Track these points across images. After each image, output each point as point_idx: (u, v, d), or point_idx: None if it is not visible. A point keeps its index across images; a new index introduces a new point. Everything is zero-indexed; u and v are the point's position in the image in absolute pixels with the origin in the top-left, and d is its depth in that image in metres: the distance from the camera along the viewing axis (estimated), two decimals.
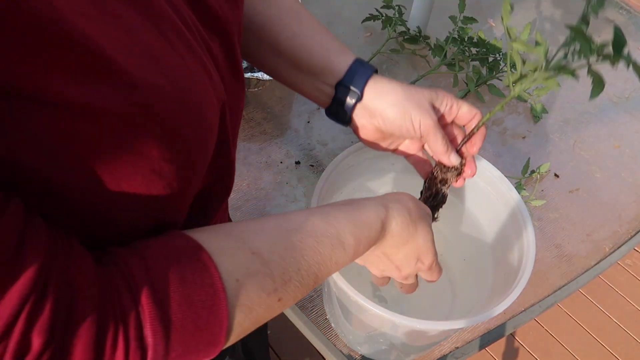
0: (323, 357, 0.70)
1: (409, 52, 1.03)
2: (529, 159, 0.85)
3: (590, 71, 0.41)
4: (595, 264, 0.79)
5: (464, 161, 0.55)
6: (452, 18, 0.96)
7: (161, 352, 0.28)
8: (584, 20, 0.41)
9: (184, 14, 0.31)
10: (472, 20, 0.95)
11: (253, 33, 0.52)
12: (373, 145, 0.56)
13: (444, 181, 0.55)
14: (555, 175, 0.89)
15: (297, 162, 0.84)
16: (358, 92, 0.51)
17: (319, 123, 0.90)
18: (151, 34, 0.27)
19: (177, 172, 0.30)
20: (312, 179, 0.83)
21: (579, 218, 0.84)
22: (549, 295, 0.75)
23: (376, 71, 0.54)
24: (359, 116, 0.53)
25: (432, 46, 0.99)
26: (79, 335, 0.25)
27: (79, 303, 0.26)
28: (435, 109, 0.52)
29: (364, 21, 1.04)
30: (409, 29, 1.04)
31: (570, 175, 0.90)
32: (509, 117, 0.96)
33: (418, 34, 1.04)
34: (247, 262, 0.34)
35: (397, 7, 1.01)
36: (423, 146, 0.57)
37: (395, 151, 0.58)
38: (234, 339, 0.33)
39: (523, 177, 0.84)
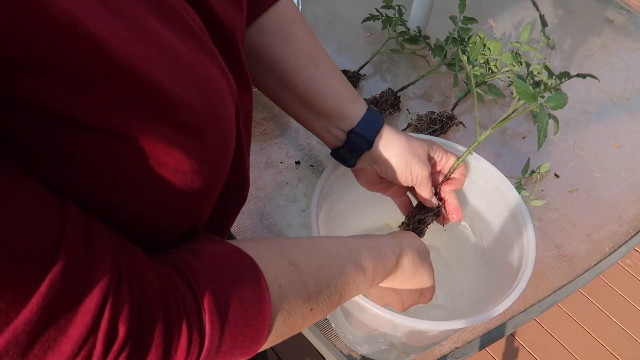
0: (323, 357, 0.70)
1: (409, 52, 1.03)
2: (529, 159, 0.85)
3: (538, 121, 0.44)
4: (595, 264, 0.79)
5: (441, 203, 0.61)
6: (452, 18, 0.96)
7: (215, 342, 0.30)
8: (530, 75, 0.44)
9: (195, 19, 0.31)
10: (472, 20, 0.95)
11: (267, 68, 0.52)
12: (368, 187, 0.60)
13: (423, 220, 0.61)
14: (555, 175, 0.89)
15: (297, 162, 0.84)
16: (370, 141, 0.54)
17: None
18: (177, 45, 0.28)
19: (205, 181, 0.31)
20: (312, 179, 0.83)
21: (579, 218, 0.84)
22: (549, 295, 0.75)
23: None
24: (363, 161, 0.57)
25: (432, 46, 0.99)
26: (152, 322, 0.26)
27: (148, 292, 0.27)
28: (430, 159, 0.58)
29: (364, 21, 1.04)
30: (409, 29, 1.04)
31: (570, 175, 0.90)
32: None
33: (418, 34, 1.04)
34: (287, 271, 0.37)
35: (397, 7, 1.01)
36: (408, 189, 0.62)
37: (385, 193, 0.62)
38: (271, 341, 0.35)
39: (523, 177, 0.84)
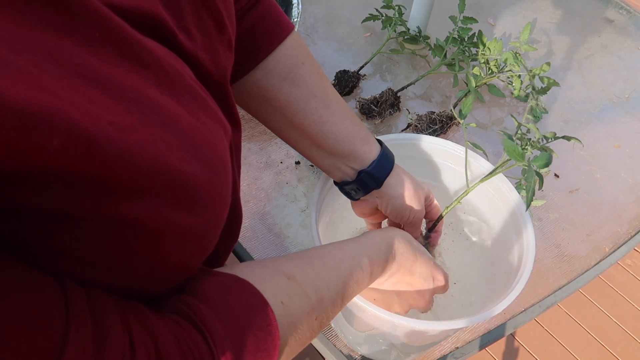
0: (323, 357, 0.70)
1: (409, 52, 1.03)
2: (529, 159, 0.85)
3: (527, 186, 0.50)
4: (595, 264, 0.79)
5: (427, 245, 0.63)
6: (452, 18, 0.96)
7: None
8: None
9: (190, 75, 0.31)
10: (472, 20, 0.95)
11: (276, 110, 0.51)
12: (360, 214, 0.61)
13: None
14: (555, 175, 0.89)
15: (297, 162, 0.84)
16: (380, 182, 0.55)
17: None
18: (179, 113, 0.27)
19: (203, 242, 0.31)
20: (312, 179, 0.83)
21: (579, 218, 0.84)
22: (549, 295, 0.75)
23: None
24: (369, 195, 0.57)
25: (432, 46, 0.99)
26: None
27: (163, 349, 0.27)
28: (425, 202, 0.59)
29: (364, 21, 1.04)
30: (409, 29, 1.04)
31: (570, 175, 0.90)
32: (508, 117, 0.96)
33: (418, 34, 1.04)
34: (286, 286, 0.37)
35: (397, 7, 1.01)
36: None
37: (367, 218, 0.63)
38: (283, 359, 0.35)
39: (523, 177, 0.84)
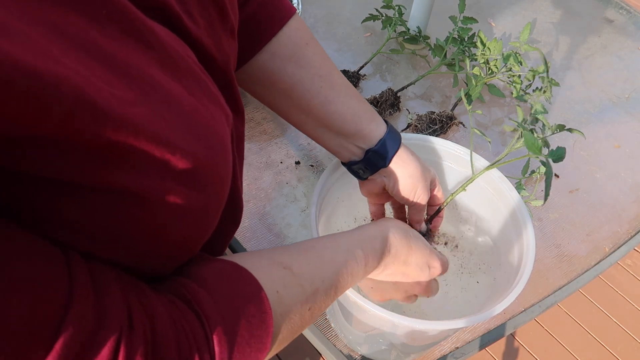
0: (323, 357, 0.70)
1: (409, 52, 1.03)
2: (528, 159, 0.85)
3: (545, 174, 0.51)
4: (595, 264, 0.79)
5: (428, 229, 0.64)
6: (452, 18, 0.96)
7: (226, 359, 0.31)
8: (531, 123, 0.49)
9: (193, 58, 0.31)
10: (472, 20, 0.95)
11: (282, 92, 0.52)
12: (367, 194, 0.61)
13: None
14: (555, 175, 0.89)
15: (297, 162, 0.84)
16: (388, 159, 0.55)
17: None
18: (181, 93, 0.28)
19: (203, 222, 0.32)
20: (312, 179, 0.83)
21: (579, 218, 0.84)
22: (549, 295, 0.75)
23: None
24: (375, 175, 0.57)
25: (432, 46, 0.99)
26: (166, 356, 0.27)
27: (159, 329, 0.28)
28: (430, 185, 0.59)
29: (364, 21, 1.04)
30: (409, 29, 1.04)
31: (570, 175, 0.90)
32: (508, 117, 0.96)
33: (418, 34, 1.04)
34: (282, 276, 0.37)
35: (397, 7, 1.01)
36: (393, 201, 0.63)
37: (372, 199, 0.63)
38: (275, 347, 0.36)
39: (523, 177, 0.84)
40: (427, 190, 0.57)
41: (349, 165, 0.57)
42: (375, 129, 0.54)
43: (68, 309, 0.23)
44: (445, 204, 0.61)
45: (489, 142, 0.65)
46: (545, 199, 0.51)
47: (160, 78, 0.26)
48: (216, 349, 0.30)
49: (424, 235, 0.62)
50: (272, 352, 0.36)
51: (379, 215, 0.65)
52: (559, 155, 0.51)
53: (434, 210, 0.62)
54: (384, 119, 0.56)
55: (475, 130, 0.61)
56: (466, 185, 0.60)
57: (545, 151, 0.52)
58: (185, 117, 0.27)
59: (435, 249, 0.56)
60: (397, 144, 0.55)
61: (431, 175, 0.58)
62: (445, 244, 0.69)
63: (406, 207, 0.60)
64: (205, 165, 0.29)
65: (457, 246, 0.70)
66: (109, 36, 0.24)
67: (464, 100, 0.64)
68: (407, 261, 0.51)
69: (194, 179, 0.28)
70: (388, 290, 0.53)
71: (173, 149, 0.26)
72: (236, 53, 0.40)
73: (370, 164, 0.55)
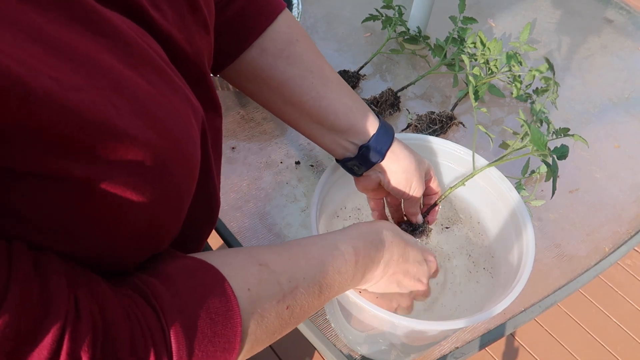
0: (323, 357, 0.70)
1: (409, 52, 1.03)
2: (528, 159, 0.85)
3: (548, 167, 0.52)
4: (595, 264, 0.79)
5: (424, 222, 0.64)
6: (452, 18, 0.96)
7: (185, 357, 0.30)
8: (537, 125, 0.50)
9: (158, 51, 0.30)
10: (472, 20, 0.95)
11: (273, 89, 0.51)
12: (363, 190, 0.61)
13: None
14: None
15: (297, 162, 0.84)
16: (382, 155, 0.55)
17: None
18: (137, 82, 0.27)
19: (165, 215, 0.31)
20: (312, 179, 0.83)
21: (579, 218, 0.84)
22: (549, 295, 0.75)
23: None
24: (371, 170, 0.57)
25: (432, 46, 0.99)
26: (118, 348, 0.27)
27: (110, 319, 0.27)
28: (425, 177, 0.59)
29: (364, 21, 1.04)
30: (409, 29, 1.04)
31: (570, 175, 0.90)
32: (509, 117, 0.96)
33: (418, 34, 1.04)
34: (256, 273, 0.36)
35: (397, 7, 1.01)
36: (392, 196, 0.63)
37: (369, 195, 0.63)
38: (248, 347, 0.35)
39: (523, 177, 0.84)
40: (422, 183, 0.57)
41: (344, 162, 0.57)
42: (368, 124, 0.54)
43: (4, 296, 0.22)
44: (442, 197, 0.61)
45: (492, 138, 0.65)
46: (553, 193, 0.51)
47: (112, 65, 0.26)
48: (173, 345, 0.29)
49: (419, 228, 0.62)
50: (247, 354, 0.35)
51: (379, 208, 0.65)
52: (562, 152, 0.52)
53: (430, 201, 0.62)
54: (377, 114, 0.56)
55: (480, 127, 0.62)
56: (465, 180, 0.60)
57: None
58: (139, 105, 0.26)
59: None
60: (390, 139, 0.55)
61: (425, 167, 0.58)
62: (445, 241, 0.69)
63: (402, 200, 0.60)
64: (162, 156, 0.28)
65: (456, 246, 0.70)
66: (56, 21, 0.23)
67: (471, 97, 0.64)
68: (405, 257, 0.50)
69: (147, 169, 0.27)
70: (394, 296, 0.52)
71: (121, 136, 0.25)
72: (211, 48, 0.40)
73: (364, 159, 0.55)
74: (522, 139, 0.58)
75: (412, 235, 0.62)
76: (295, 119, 0.54)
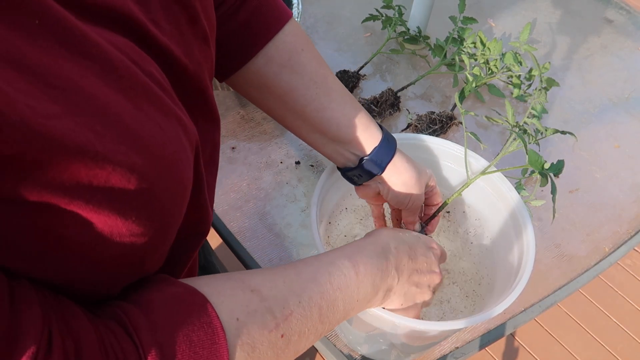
0: (323, 357, 0.70)
1: (409, 52, 1.03)
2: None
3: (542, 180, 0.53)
4: (595, 264, 0.79)
5: (422, 230, 0.63)
6: (452, 18, 0.96)
7: None
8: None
9: (149, 70, 0.30)
10: (472, 20, 0.95)
11: (277, 98, 0.51)
12: (363, 197, 0.61)
13: None
14: (555, 175, 0.89)
15: (297, 162, 0.84)
16: (382, 168, 0.55)
17: None
18: (123, 107, 0.26)
19: (152, 238, 0.30)
20: (312, 179, 0.83)
21: (579, 218, 0.84)
22: (549, 295, 0.75)
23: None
24: (371, 180, 0.57)
25: (432, 46, 0.99)
26: None
27: (84, 352, 0.26)
28: (426, 188, 0.59)
29: (364, 21, 1.04)
30: (409, 29, 1.04)
31: (570, 175, 0.90)
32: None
33: (418, 34, 1.04)
34: (246, 300, 0.35)
35: (397, 7, 1.01)
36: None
37: (369, 200, 0.63)
38: None
39: (523, 177, 0.84)
40: (422, 195, 0.57)
41: (344, 172, 0.57)
42: (370, 136, 0.54)
43: None
44: (440, 209, 0.61)
45: (483, 148, 0.66)
46: (553, 216, 0.52)
47: (96, 90, 0.25)
48: None
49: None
50: None
51: (379, 213, 0.65)
52: (558, 168, 0.53)
53: (430, 210, 0.62)
54: (380, 125, 0.56)
55: (469, 134, 0.62)
56: (462, 190, 0.60)
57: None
58: (125, 131, 0.26)
59: None
60: (392, 152, 0.55)
61: (427, 178, 0.58)
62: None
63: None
64: (148, 181, 0.27)
65: (456, 247, 0.70)
66: (39, 47, 0.23)
67: (457, 101, 0.65)
68: (413, 256, 0.50)
69: (131, 194, 0.26)
70: (416, 297, 0.51)
71: (102, 162, 0.24)
72: (212, 60, 0.39)
73: (365, 171, 0.55)
74: (511, 142, 0.58)
75: None
76: (298, 127, 0.54)
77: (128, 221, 0.27)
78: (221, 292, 0.34)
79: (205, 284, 0.34)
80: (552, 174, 0.52)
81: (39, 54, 0.23)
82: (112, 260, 0.29)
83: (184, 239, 0.36)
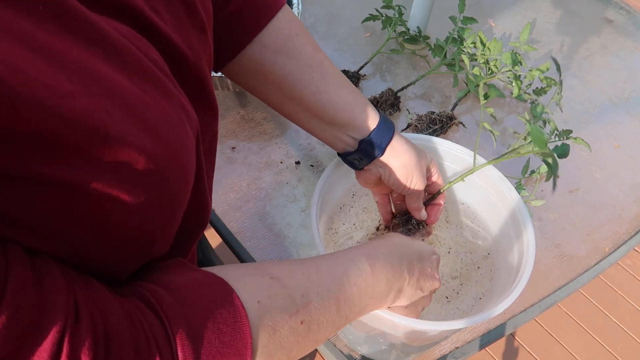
0: (323, 357, 0.70)
1: (409, 52, 1.03)
2: (528, 159, 0.85)
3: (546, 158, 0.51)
4: (595, 264, 0.79)
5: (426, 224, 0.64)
6: (452, 18, 0.96)
7: None
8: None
9: (152, 56, 0.30)
10: (472, 20, 0.95)
11: (273, 84, 0.52)
12: (364, 184, 0.61)
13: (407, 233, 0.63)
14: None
15: (297, 162, 0.84)
16: (382, 150, 0.55)
17: None
18: (129, 90, 0.27)
19: (159, 221, 0.30)
20: (312, 179, 0.83)
21: (579, 218, 0.84)
22: (549, 295, 0.75)
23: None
24: (371, 164, 0.57)
25: (432, 46, 0.99)
26: (121, 352, 0.26)
27: (112, 324, 0.26)
28: (427, 172, 0.59)
29: (364, 21, 1.04)
30: (409, 29, 1.04)
31: (570, 175, 0.90)
32: (508, 117, 0.96)
33: (418, 34, 1.04)
34: (267, 286, 0.35)
35: (397, 7, 1.01)
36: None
37: (373, 190, 0.63)
38: None
39: (523, 177, 0.84)
40: (423, 178, 0.57)
41: (344, 156, 0.57)
42: (367, 119, 0.54)
43: (2, 299, 0.22)
44: (442, 191, 0.61)
45: (495, 136, 0.65)
46: (554, 188, 0.50)
47: (105, 72, 0.26)
48: (180, 354, 0.28)
49: (422, 225, 0.63)
50: None
51: (384, 205, 0.65)
52: (563, 150, 0.52)
53: (433, 198, 0.62)
54: (377, 108, 0.56)
55: (485, 124, 0.62)
56: (465, 176, 0.60)
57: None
58: (133, 112, 0.26)
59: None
60: (390, 134, 0.55)
61: (427, 162, 0.58)
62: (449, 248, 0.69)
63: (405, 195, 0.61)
64: (156, 163, 0.28)
65: (456, 246, 0.70)
66: (47, 30, 0.23)
67: (480, 95, 0.64)
68: (421, 260, 0.51)
69: (141, 175, 0.27)
70: (419, 302, 0.52)
71: (116, 142, 0.25)
72: (210, 50, 0.40)
73: (365, 153, 0.55)
74: (524, 138, 0.58)
75: (413, 236, 0.62)
76: (296, 113, 0.54)
77: (138, 201, 0.27)
78: (242, 278, 0.35)
79: (225, 271, 0.35)
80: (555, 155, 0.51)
81: (48, 37, 0.23)
82: (123, 239, 0.29)
83: (186, 226, 0.36)
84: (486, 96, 0.64)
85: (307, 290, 0.38)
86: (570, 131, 0.59)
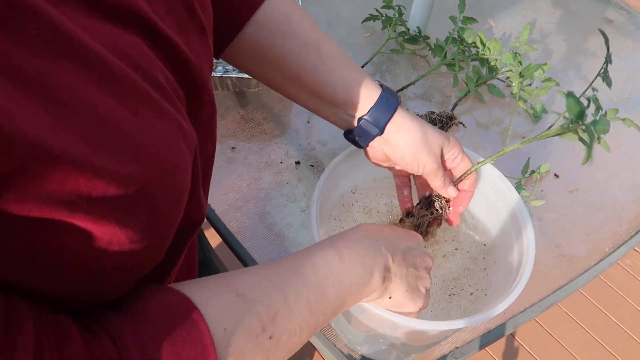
0: (323, 357, 0.70)
1: (409, 52, 1.03)
2: (528, 159, 0.85)
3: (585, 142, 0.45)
4: (595, 264, 0.79)
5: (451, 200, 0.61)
6: (452, 18, 0.96)
7: None
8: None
9: (153, 73, 0.30)
10: (472, 20, 0.95)
11: (271, 64, 0.51)
12: (375, 162, 0.60)
13: (426, 216, 0.61)
14: (555, 175, 0.89)
15: (297, 162, 0.84)
16: (381, 127, 0.53)
17: (319, 123, 0.90)
18: (120, 115, 0.26)
19: (152, 240, 0.30)
20: (312, 179, 0.83)
21: (579, 218, 0.84)
22: (549, 295, 0.75)
23: (399, 102, 0.55)
24: (375, 142, 0.56)
25: (432, 46, 0.99)
26: None
27: None
28: (442, 153, 0.57)
29: (364, 21, 1.04)
30: (409, 29, 1.04)
31: (570, 175, 0.90)
32: (508, 117, 0.96)
33: (418, 34, 1.04)
34: (232, 306, 0.34)
35: (397, 7, 1.01)
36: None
37: (390, 169, 0.61)
38: None
39: (523, 177, 0.84)
40: (434, 157, 0.55)
41: (346, 135, 0.57)
42: (366, 96, 0.53)
43: None
44: (468, 172, 0.58)
45: (532, 113, 0.64)
46: (586, 159, 0.46)
47: (95, 99, 0.25)
48: None
49: (423, 230, 0.61)
50: None
51: (405, 186, 0.63)
52: (603, 125, 0.48)
53: (460, 179, 0.60)
54: (382, 84, 0.55)
55: (520, 104, 0.60)
56: (495, 157, 0.57)
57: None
58: (122, 139, 0.26)
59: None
60: (390, 111, 0.53)
61: (440, 141, 0.55)
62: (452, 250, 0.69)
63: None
64: (146, 188, 0.27)
65: (456, 247, 0.70)
66: (38, 57, 0.23)
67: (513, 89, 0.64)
68: (399, 235, 0.49)
69: (128, 202, 0.26)
70: (417, 281, 0.49)
71: (101, 174, 0.24)
72: (210, 52, 0.40)
73: (363, 132, 0.54)
74: (556, 125, 0.54)
75: (435, 223, 0.62)
76: (296, 93, 0.54)
77: (127, 229, 0.27)
78: (210, 300, 0.34)
79: (195, 291, 0.34)
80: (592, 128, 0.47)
81: (37, 65, 0.23)
82: (111, 269, 0.28)
83: (180, 230, 0.36)
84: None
85: (273, 301, 0.36)
86: (617, 110, 0.55)
